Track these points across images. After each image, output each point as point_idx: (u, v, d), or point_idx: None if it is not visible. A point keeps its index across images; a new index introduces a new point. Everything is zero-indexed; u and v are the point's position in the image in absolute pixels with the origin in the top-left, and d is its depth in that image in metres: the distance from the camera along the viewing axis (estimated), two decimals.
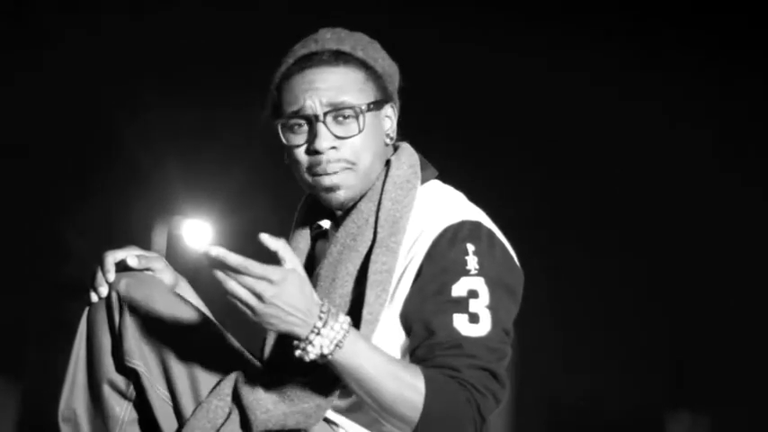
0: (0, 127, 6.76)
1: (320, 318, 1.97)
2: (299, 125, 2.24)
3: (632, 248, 7.11)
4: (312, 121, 2.23)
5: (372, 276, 2.16)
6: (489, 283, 2.14)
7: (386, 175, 2.26)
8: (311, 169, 2.24)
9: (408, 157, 2.30)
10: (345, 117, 2.22)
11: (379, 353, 2.04)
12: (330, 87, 2.22)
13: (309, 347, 1.97)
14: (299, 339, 1.98)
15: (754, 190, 6.73)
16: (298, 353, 1.98)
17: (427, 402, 2.03)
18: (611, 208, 7.03)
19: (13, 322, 7.12)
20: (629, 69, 6.71)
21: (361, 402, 2.14)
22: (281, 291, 1.94)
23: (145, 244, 7.92)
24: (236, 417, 2.18)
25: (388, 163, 2.29)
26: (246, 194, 7.28)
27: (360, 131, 2.22)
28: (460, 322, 2.11)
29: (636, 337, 7.21)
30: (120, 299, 2.25)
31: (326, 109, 2.22)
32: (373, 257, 2.18)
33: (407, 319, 2.16)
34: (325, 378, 2.15)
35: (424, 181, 2.29)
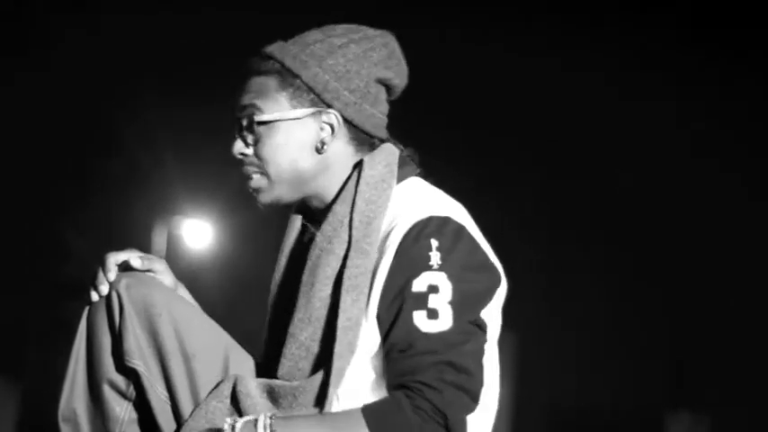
0: (0, 127, 6.76)
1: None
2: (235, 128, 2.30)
3: (632, 249, 7.12)
4: (234, 126, 2.28)
5: (348, 281, 2.15)
6: (452, 278, 2.10)
7: (359, 176, 2.25)
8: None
9: (385, 156, 2.27)
10: (256, 124, 2.24)
11: (311, 423, 2.05)
12: (245, 94, 2.25)
13: None
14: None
15: (754, 191, 6.73)
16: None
17: None
18: (611, 209, 7.03)
19: (13, 322, 7.12)
20: (629, 70, 6.71)
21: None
22: None
23: (145, 244, 7.93)
24: (237, 418, 2.18)
25: (361, 163, 2.28)
26: (246, 194, 7.28)
27: (256, 142, 2.24)
28: (419, 318, 2.08)
29: (636, 338, 7.22)
30: (120, 299, 2.24)
31: (238, 115, 2.25)
32: (348, 261, 2.17)
33: (379, 320, 2.15)
34: (313, 386, 2.15)
35: (401, 179, 2.27)
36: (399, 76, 2.31)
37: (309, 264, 2.24)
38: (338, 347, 2.12)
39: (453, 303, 2.08)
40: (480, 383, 2.07)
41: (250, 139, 2.24)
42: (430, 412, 2.02)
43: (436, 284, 2.09)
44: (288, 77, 2.23)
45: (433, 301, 2.08)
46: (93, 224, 7.34)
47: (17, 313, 7.13)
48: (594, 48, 6.63)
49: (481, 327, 2.11)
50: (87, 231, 7.34)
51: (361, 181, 2.23)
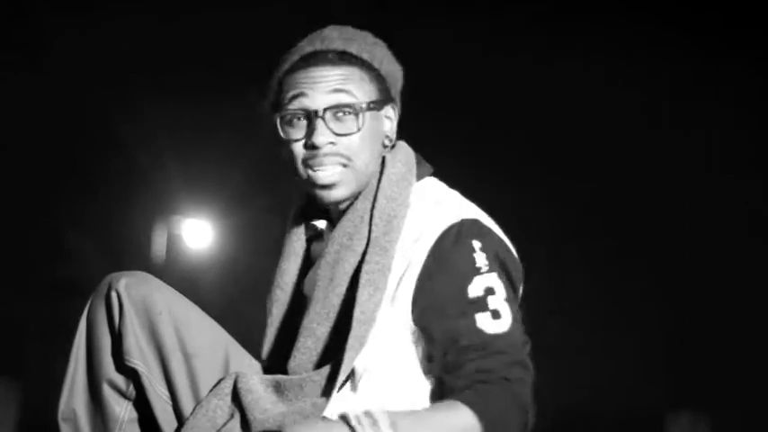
0: (0, 126, 6.77)
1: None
2: (299, 119, 2.23)
3: (632, 250, 7.12)
4: (311, 116, 2.22)
5: (365, 276, 2.16)
6: (501, 277, 2.15)
7: (381, 173, 2.26)
8: (307, 163, 2.22)
9: (404, 154, 2.29)
10: (345, 114, 2.22)
11: (420, 419, 2.04)
12: (331, 84, 2.22)
13: None
14: None
15: (754, 192, 6.73)
16: None
17: (484, 424, 2.03)
18: (612, 209, 7.03)
19: (13, 322, 7.12)
20: (634, 71, 6.71)
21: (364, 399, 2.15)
22: None
23: (145, 244, 7.93)
24: (238, 417, 2.18)
25: (383, 161, 2.29)
26: (246, 194, 7.28)
27: (358, 129, 2.22)
28: (484, 321, 2.11)
29: (636, 338, 7.22)
30: (119, 298, 2.25)
31: (326, 105, 2.22)
32: (367, 257, 2.18)
33: (428, 329, 2.15)
34: (321, 377, 2.16)
35: (419, 178, 2.29)
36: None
37: (328, 259, 2.24)
38: (351, 341, 2.13)
39: (508, 300, 2.13)
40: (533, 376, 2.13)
41: (341, 128, 2.22)
42: (519, 404, 2.05)
43: (491, 286, 2.13)
44: (368, 70, 2.24)
45: (492, 303, 2.12)
46: (93, 224, 7.34)
47: (17, 313, 7.13)
48: (597, 48, 6.63)
49: (523, 319, 2.17)
50: (87, 231, 7.34)
51: (384, 177, 2.24)
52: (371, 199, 2.24)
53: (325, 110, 2.21)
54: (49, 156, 6.99)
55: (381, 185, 2.23)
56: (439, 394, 2.15)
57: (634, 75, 6.83)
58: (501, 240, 2.21)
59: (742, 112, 6.74)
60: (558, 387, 7.22)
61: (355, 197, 2.27)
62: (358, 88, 2.23)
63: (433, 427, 2.02)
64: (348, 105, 2.22)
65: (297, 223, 2.41)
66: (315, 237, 2.38)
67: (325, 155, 2.22)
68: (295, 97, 2.22)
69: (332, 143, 2.21)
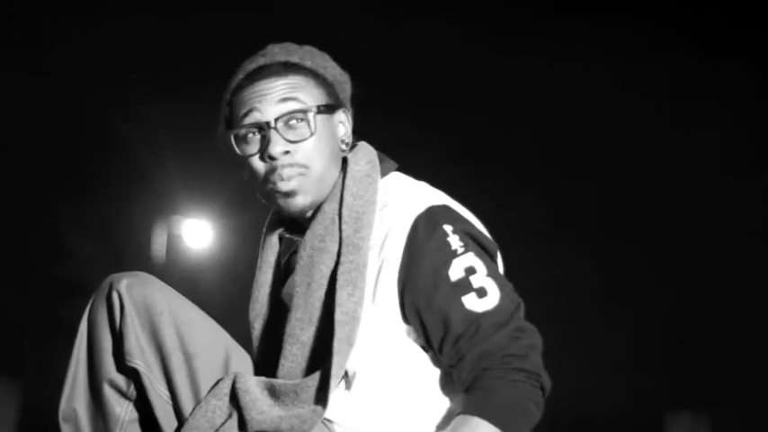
0: (0, 127, 6.77)
1: None
2: (253, 134, 2.24)
3: (632, 249, 7.12)
4: (264, 128, 2.23)
5: (342, 276, 2.17)
6: (478, 254, 2.16)
7: (344, 174, 2.26)
8: (267, 176, 2.23)
9: (365, 153, 2.30)
10: (297, 121, 2.23)
11: None
12: (279, 94, 2.24)
13: None
14: None
15: (754, 192, 6.73)
16: None
17: (500, 423, 2.04)
18: (612, 209, 7.03)
19: (13, 322, 7.12)
20: (637, 69, 6.71)
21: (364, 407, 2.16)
22: None
23: (145, 244, 7.93)
24: (236, 417, 2.19)
25: (345, 162, 2.29)
26: (246, 194, 7.28)
27: (311, 134, 2.23)
28: (471, 302, 2.12)
29: (636, 338, 7.22)
30: (120, 298, 2.25)
31: (277, 115, 2.22)
32: (342, 257, 2.18)
33: (420, 322, 2.16)
34: (315, 381, 2.16)
35: (384, 174, 2.30)
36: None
37: (302, 263, 2.24)
38: (336, 343, 2.13)
39: (491, 275, 2.15)
40: (539, 334, 2.14)
41: (294, 135, 2.23)
42: (525, 379, 2.07)
43: (470, 266, 2.14)
44: (314, 77, 2.25)
45: (476, 281, 2.13)
46: (93, 224, 7.34)
47: (17, 313, 7.13)
48: (600, 48, 6.63)
49: (509, 285, 2.16)
50: (87, 231, 7.34)
51: (348, 177, 2.25)
52: (338, 200, 2.24)
53: (276, 120, 2.22)
54: (49, 156, 6.99)
55: (346, 184, 2.24)
56: (448, 385, 2.18)
57: (634, 75, 6.83)
58: (468, 219, 2.22)
59: (742, 112, 6.75)
60: (557, 387, 7.22)
61: (321, 201, 2.27)
62: (306, 94, 2.24)
63: None
64: (299, 111, 2.23)
65: (270, 236, 2.42)
66: (288, 247, 2.39)
67: (283, 167, 2.23)
68: (246, 114, 2.24)
69: (287, 152, 2.22)
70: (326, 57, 2.31)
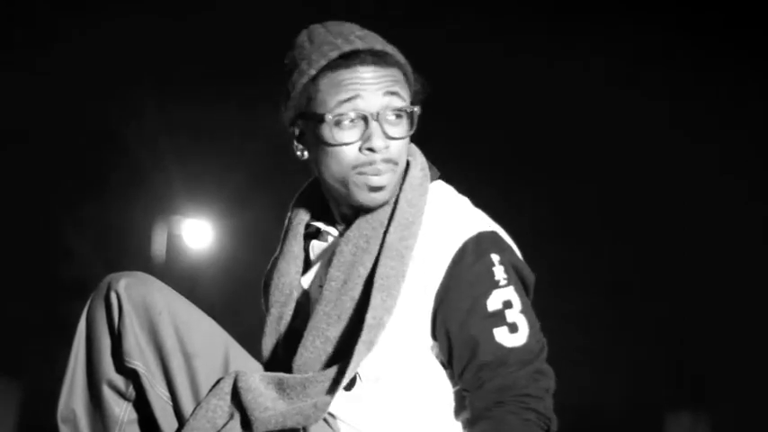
0: (0, 127, 6.77)
1: None
2: (351, 121, 2.15)
3: (632, 249, 7.11)
4: (368, 119, 2.15)
5: (379, 281, 2.15)
6: (517, 290, 2.16)
7: (404, 177, 2.24)
8: (359, 168, 2.16)
9: (421, 159, 2.28)
10: (397, 117, 2.18)
11: None
12: (383, 86, 2.16)
13: None
14: None
15: (754, 192, 6.73)
16: None
17: None
18: (612, 209, 7.03)
19: (13, 322, 7.12)
20: (638, 71, 6.70)
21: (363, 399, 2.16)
22: None
23: (145, 244, 7.93)
24: (237, 417, 2.18)
25: (407, 165, 2.27)
26: (246, 194, 7.28)
27: (410, 132, 2.19)
28: (502, 335, 2.13)
29: (636, 338, 7.22)
30: (119, 299, 2.24)
31: (382, 107, 2.16)
32: (382, 261, 2.17)
33: (447, 342, 2.16)
34: (326, 378, 2.16)
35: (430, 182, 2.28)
36: None
37: (342, 260, 2.22)
38: (360, 344, 2.13)
39: (524, 312, 2.16)
40: (554, 377, 2.19)
41: (395, 131, 2.17)
42: (536, 420, 2.10)
43: (509, 299, 2.14)
44: (403, 72, 2.21)
45: (510, 316, 2.14)
46: (93, 224, 7.34)
47: (17, 313, 7.13)
48: (600, 50, 6.63)
49: (538, 325, 2.17)
50: (87, 231, 7.34)
51: (406, 183, 2.21)
52: (392, 203, 2.22)
53: (381, 112, 2.18)
54: (49, 156, 6.99)
55: (404, 189, 2.21)
56: (460, 409, 2.20)
57: (634, 75, 6.83)
58: (515, 251, 2.22)
59: (742, 112, 6.74)
60: (557, 387, 7.22)
61: None
62: (404, 90, 2.20)
63: None
64: (401, 109, 2.18)
65: (296, 222, 2.40)
66: (314, 237, 2.38)
67: (382, 160, 2.16)
68: (347, 100, 2.14)
69: (386, 147, 2.17)
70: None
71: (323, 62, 2.14)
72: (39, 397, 6.29)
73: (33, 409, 7.15)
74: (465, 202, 2.28)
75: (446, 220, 2.20)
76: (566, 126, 6.85)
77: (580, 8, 6.66)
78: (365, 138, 2.15)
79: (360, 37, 2.17)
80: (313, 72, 2.15)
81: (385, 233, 2.19)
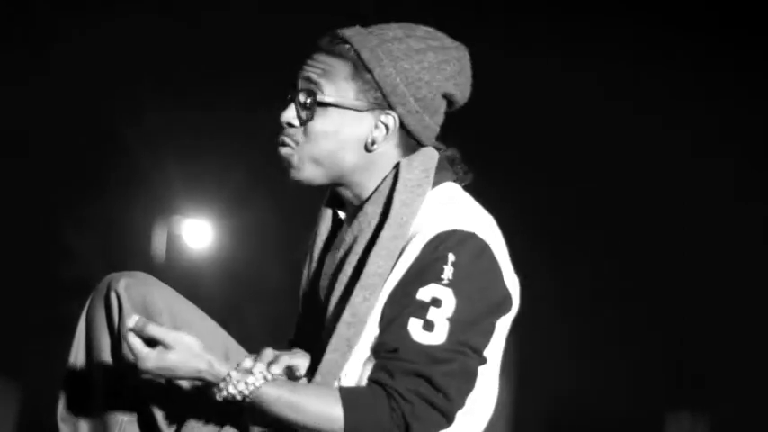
0: (0, 127, 6.76)
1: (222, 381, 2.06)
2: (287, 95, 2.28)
3: (632, 250, 7.11)
4: (290, 94, 2.25)
5: (365, 279, 2.15)
6: (458, 296, 2.11)
7: (395, 178, 2.24)
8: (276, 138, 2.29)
9: (423, 160, 2.26)
10: (314, 102, 2.22)
11: (290, 393, 2.05)
12: (310, 71, 2.22)
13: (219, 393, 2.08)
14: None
15: (754, 193, 6.72)
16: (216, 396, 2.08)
17: (347, 425, 2.05)
18: (612, 210, 7.02)
19: (12, 321, 7.12)
20: (635, 74, 6.70)
21: None
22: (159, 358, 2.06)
23: (145, 244, 7.92)
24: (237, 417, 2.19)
25: (398, 165, 2.27)
26: (246, 194, 7.27)
27: (306, 121, 2.22)
28: (414, 327, 2.10)
29: (636, 337, 7.21)
30: (119, 299, 2.25)
31: (300, 86, 2.23)
32: (371, 258, 2.17)
33: (382, 317, 2.16)
34: (306, 372, 2.17)
35: (436, 184, 2.27)
36: (463, 93, 2.31)
37: (337, 255, 2.24)
38: (334, 339, 2.13)
39: (452, 320, 2.10)
40: (456, 405, 2.09)
41: (303, 113, 2.22)
42: (397, 419, 2.03)
43: (440, 298, 2.10)
44: (360, 69, 2.21)
45: (432, 314, 2.10)
46: (93, 224, 7.33)
47: (17, 313, 7.13)
48: (600, 51, 6.62)
49: (474, 349, 2.12)
50: (87, 231, 7.33)
51: (399, 182, 2.21)
52: (382, 203, 2.23)
53: (296, 90, 2.22)
54: (49, 156, 6.98)
55: (398, 189, 2.21)
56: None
57: (634, 75, 6.82)
58: (491, 261, 2.17)
59: (742, 113, 6.74)
60: (557, 387, 7.21)
61: (365, 200, 2.25)
62: (333, 83, 2.21)
63: (299, 404, 2.06)
64: (312, 95, 2.21)
65: (326, 211, 2.42)
66: (339, 225, 2.40)
67: (283, 132, 2.24)
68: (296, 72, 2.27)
69: (290, 124, 2.22)
70: (417, 55, 2.24)
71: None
72: (39, 397, 6.28)
73: (33, 409, 7.15)
74: (465, 203, 2.26)
75: (432, 218, 2.19)
76: (566, 126, 6.85)
77: (577, 8, 6.65)
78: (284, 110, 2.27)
79: (350, 30, 2.22)
80: None
81: (376, 232, 2.20)
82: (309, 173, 2.23)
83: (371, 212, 2.22)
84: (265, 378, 2.05)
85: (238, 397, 2.05)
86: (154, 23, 6.71)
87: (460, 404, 2.09)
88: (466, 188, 2.33)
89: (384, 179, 2.24)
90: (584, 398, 7.16)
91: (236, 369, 2.05)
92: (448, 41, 2.30)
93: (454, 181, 2.30)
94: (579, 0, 6.76)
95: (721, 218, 6.81)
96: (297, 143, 2.22)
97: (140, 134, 7.11)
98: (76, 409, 2.28)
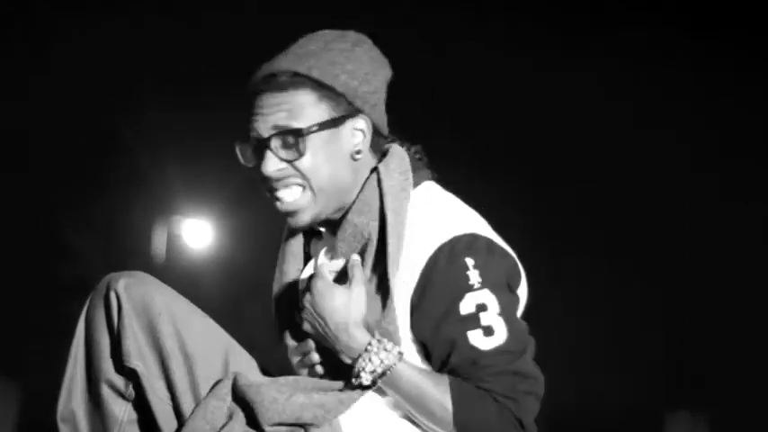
0: (1, 127, 6.77)
1: (367, 349, 2.09)
2: (253, 145, 2.25)
3: (632, 250, 7.12)
4: (261, 144, 2.23)
5: (397, 291, 2.17)
6: (494, 291, 2.14)
7: (380, 187, 2.24)
8: (267, 188, 2.25)
9: (398, 163, 2.27)
10: (291, 140, 2.21)
11: (418, 373, 2.11)
12: (275, 111, 2.22)
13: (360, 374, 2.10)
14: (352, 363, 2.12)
15: (754, 193, 6.73)
16: (353, 380, 2.11)
17: (456, 419, 2.07)
18: (612, 211, 7.04)
19: (13, 322, 7.12)
20: (632, 75, 6.71)
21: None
22: (316, 301, 2.13)
23: (144, 244, 7.93)
24: (237, 417, 2.18)
25: (376, 171, 2.27)
26: (246, 194, 7.28)
27: (301, 155, 2.21)
28: (476, 338, 2.12)
29: (636, 338, 7.22)
30: (118, 299, 2.24)
31: (271, 132, 2.21)
32: (390, 272, 2.18)
33: (424, 347, 2.17)
34: (348, 373, 2.16)
35: (415, 185, 2.27)
36: (391, 71, 2.33)
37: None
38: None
39: (503, 315, 2.14)
40: (543, 384, 2.14)
41: (287, 154, 2.21)
42: (508, 418, 2.09)
43: (483, 302, 2.13)
44: (321, 89, 2.21)
45: (484, 319, 2.13)
46: (93, 224, 7.34)
47: (17, 313, 7.13)
48: (600, 51, 6.63)
49: (524, 328, 2.16)
50: (87, 231, 7.34)
51: (386, 192, 2.22)
52: (369, 213, 2.23)
53: (270, 137, 2.21)
54: (49, 156, 6.99)
55: (386, 200, 2.21)
56: None
57: (634, 75, 6.83)
58: (500, 251, 2.20)
59: (742, 113, 6.75)
60: (558, 387, 7.22)
61: (345, 212, 2.26)
62: (303, 113, 2.22)
63: (419, 391, 2.10)
64: (292, 131, 2.21)
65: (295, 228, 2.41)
66: (313, 237, 2.38)
67: (278, 179, 2.22)
68: (250, 123, 2.24)
69: (280, 170, 2.22)
70: (351, 55, 2.25)
71: (249, 90, 2.26)
72: (39, 397, 6.29)
73: (33, 409, 7.15)
74: (450, 202, 2.27)
75: (424, 225, 2.20)
76: (566, 126, 6.85)
77: (575, 8, 6.66)
78: (260, 162, 2.24)
79: (282, 57, 2.22)
80: (249, 96, 2.27)
81: (381, 245, 2.20)
82: (319, 208, 2.22)
83: (362, 224, 2.23)
84: (400, 353, 2.10)
85: (379, 369, 2.09)
86: (154, 23, 6.71)
87: (543, 381, 2.17)
88: (438, 180, 2.35)
89: (363, 186, 2.25)
90: (584, 398, 7.17)
91: (377, 339, 2.09)
92: (353, 33, 2.32)
93: (429, 178, 2.31)
94: (579, 0, 6.77)
95: (721, 218, 6.82)
96: (304, 178, 2.20)
97: (141, 135, 7.12)
98: (76, 410, 2.28)
